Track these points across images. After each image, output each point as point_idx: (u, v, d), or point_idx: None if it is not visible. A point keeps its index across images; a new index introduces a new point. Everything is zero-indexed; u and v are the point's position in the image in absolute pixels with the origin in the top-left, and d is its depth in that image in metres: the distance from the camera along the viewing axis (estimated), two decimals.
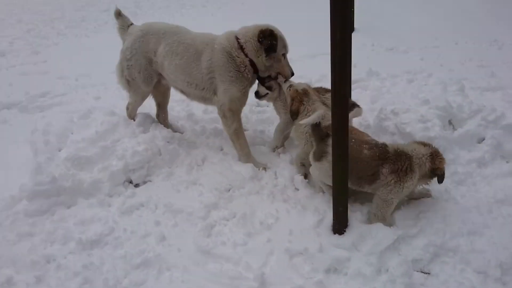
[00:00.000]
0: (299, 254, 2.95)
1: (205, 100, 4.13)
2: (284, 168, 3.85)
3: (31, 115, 5.50)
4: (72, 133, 4.45)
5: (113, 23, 10.07)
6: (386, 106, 4.46)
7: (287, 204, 3.40)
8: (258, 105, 5.12)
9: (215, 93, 3.95)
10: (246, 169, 3.86)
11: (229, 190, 3.70)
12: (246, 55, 3.78)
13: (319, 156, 3.20)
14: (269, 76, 4.04)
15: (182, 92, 4.25)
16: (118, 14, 4.37)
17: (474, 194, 3.41)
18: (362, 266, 2.78)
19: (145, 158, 4.01)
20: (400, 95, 5.04)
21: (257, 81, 4.10)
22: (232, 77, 3.82)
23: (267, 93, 4.10)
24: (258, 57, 3.79)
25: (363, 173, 3.05)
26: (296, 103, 3.65)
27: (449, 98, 4.43)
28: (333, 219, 3.02)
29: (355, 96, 5.08)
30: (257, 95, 4.15)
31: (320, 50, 6.87)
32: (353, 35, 7.55)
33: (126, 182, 3.89)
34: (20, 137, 4.82)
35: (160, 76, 4.26)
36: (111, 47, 5.25)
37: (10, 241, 3.31)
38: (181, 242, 3.18)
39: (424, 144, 3.13)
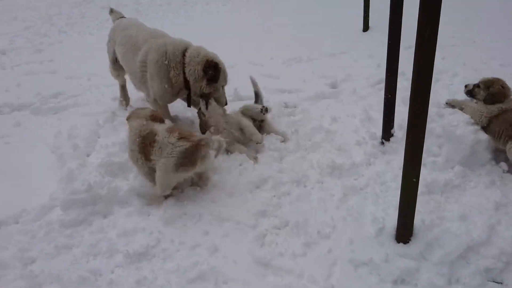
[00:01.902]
0: (364, 264, 2.83)
1: (142, 90, 4.46)
2: (329, 174, 3.72)
3: (45, 118, 5.24)
4: (99, 137, 4.23)
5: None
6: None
7: (342, 212, 3.27)
8: (287, 107, 4.98)
9: (145, 84, 4.28)
10: (289, 175, 3.72)
11: (274, 196, 3.55)
12: (183, 73, 4.02)
13: None
14: None
15: (131, 81, 4.65)
16: (111, 11, 5.20)
17: None
18: (433, 276, 2.68)
19: None
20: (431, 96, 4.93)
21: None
22: (159, 77, 4.07)
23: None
24: (196, 82, 4.03)
25: None
26: None
27: None
28: (397, 228, 2.90)
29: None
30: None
31: (338, 48, 6.80)
32: (369, 33, 7.51)
33: None
34: (37, 141, 4.59)
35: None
36: None
37: (48, 254, 3.12)
38: (235, 253, 3.02)
39: None
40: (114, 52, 4.72)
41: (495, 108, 3.68)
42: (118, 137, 4.14)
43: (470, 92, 4.00)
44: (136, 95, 5.24)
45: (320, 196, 3.47)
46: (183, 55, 4.01)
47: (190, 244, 3.12)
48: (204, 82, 4.01)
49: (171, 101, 4.42)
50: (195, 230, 3.25)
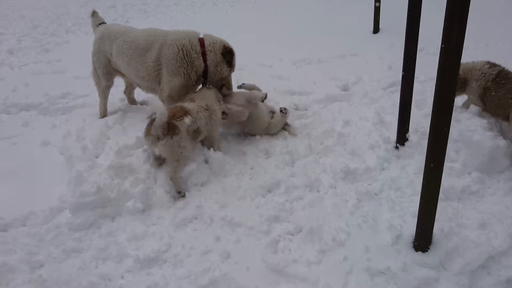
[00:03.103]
0: (381, 273, 2.74)
1: (153, 90, 4.42)
2: (342, 178, 3.64)
3: (53, 118, 5.19)
4: (108, 139, 4.17)
5: (123, 21, 9.85)
6: None
7: (356, 218, 3.19)
8: (297, 109, 4.90)
9: (159, 83, 4.24)
10: (301, 179, 3.64)
11: (286, 201, 3.48)
12: (205, 61, 4.09)
13: None
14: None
15: (137, 85, 4.65)
16: (92, 14, 4.99)
17: None
18: (453, 287, 2.60)
19: (192, 166, 3.76)
20: None
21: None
22: (180, 70, 4.06)
23: None
24: (215, 68, 4.14)
25: None
26: None
27: None
28: (416, 236, 2.82)
29: (397, 99, 4.89)
30: None
31: (348, 50, 6.71)
32: (379, 35, 7.43)
33: (174, 191, 3.63)
34: (46, 142, 4.54)
35: (118, 72, 4.72)
36: None
37: (56, 258, 3.06)
38: (247, 260, 2.94)
39: None
40: (107, 64, 4.64)
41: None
42: (128, 138, 4.07)
43: None
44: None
45: (333, 201, 3.39)
46: (201, 44, 4.08)
47: (201, 250, 3.05)
48: (224, 67, 4.16)
49: (187, 93, 4.34)
50: (206, 235, 3.18)
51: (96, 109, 5.10)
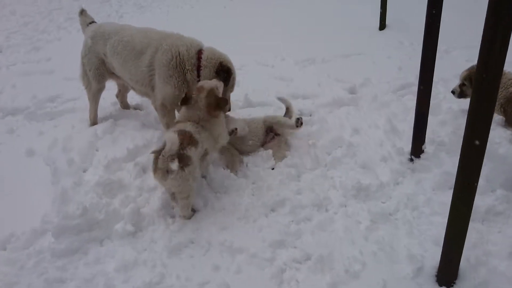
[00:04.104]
0: None
1: (147, 95, 4.14)
2: (353, 196, 3.32)
3: (40, 124, 4.85)
4: (97, 150, 3.84)
5: (117, 16, 9.46)
6: (458, 119, 3.93)
7: (371, 244, 2.87)
8: (302, 114, 4.55)
9: (153, 89, 3.93)
10: (309, 197, 3.32)
11: (292, 222, 3.16)
12: (198, 77, 3.72)
13: None
14: None
15: (131, 88, 4.32)
16: (81, 13, 4.58)
17: None
18: None
19: None
20: (461, 104, 4.51)
21: None
22: (171, 80, 3.74)
23: None
24: None
25: None
26: None
27: None
28: (440, 268, 2.50)
29: (409, 104, 4.56)
30: None
31: (354, 48, 6.35)
32: (386, 32, 7.06)
33: (169, 211, 3.31)
34: (31, 150, 4.21)
35: (114, 74, 4.34)
36: None
37: None
38: None
39: None
40: (99, 66, 4.27)
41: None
42: (118, 150, 3.75)
43: (461, 93, 4.03)
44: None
45: (345, 223, 3.07)
46: (198, 56, 3.71)
47: (198, 281, 2.73)
48: None
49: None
50: (203, 264, 2.86)
51: (86, 115, 4.74)
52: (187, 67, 3.70)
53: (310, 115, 4.60)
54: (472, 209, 2.27)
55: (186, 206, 3.16)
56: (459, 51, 6.11)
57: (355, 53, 6.21)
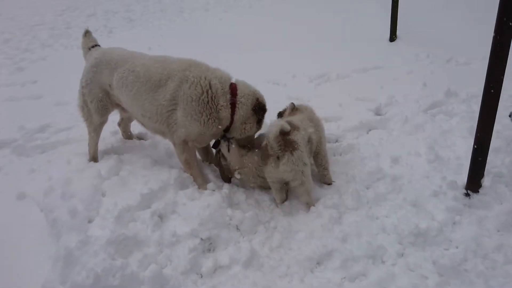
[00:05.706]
0: None
1: (161, 133, 3.62)
2: (411, 244, 2.85)
3: (31, 159, 4.26)
4: (104, 196, 3.28)
5: (106, 31, 8.89)
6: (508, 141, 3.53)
7: None
8: (328, 141, 4.09)
9: (169, 126, 3.42)
10: (359, 245, 2.84)
11: (344, 279, 2.67)
12: (232, 115, 3.30)
13: None
14: None
15: (141, 124, 3.78)
16: (85, 34, 4.05)
17: None
18: None
19: (215, 228, 2.92)
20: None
21: None
22: (200, 117, 3.27)
23: None
24: (242, 123, 3.37)
25: None
26: None
27: None
28: None
29: (445, 125, 4.14)
30: None
31: (369, 62, 5.94)
32: (398, 44, 6.66)
33: (197, 269, 2.79)
34: (22, 193, 3.65)
35: (119, 106, 3.87)
36: None
37: None
38: None
39: None
40: (102, 98, 3.76)
41: None
42: (129, 195, 3.19)
43: None
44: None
45: (409, 280, 2.60)
46: (232, 91, 3.30)
47: None
48: (253, 125, 3.41)
49: (205, 144, 3.66)
50: None
51: (82, 147, 4.18)
52: (221, 103, 3.21)
53: (336, 141, 4.15)
54: None
55: (306, 193, 3.14)
56: (478, 63, 5.73)
57: (371, 68, 5.81)
